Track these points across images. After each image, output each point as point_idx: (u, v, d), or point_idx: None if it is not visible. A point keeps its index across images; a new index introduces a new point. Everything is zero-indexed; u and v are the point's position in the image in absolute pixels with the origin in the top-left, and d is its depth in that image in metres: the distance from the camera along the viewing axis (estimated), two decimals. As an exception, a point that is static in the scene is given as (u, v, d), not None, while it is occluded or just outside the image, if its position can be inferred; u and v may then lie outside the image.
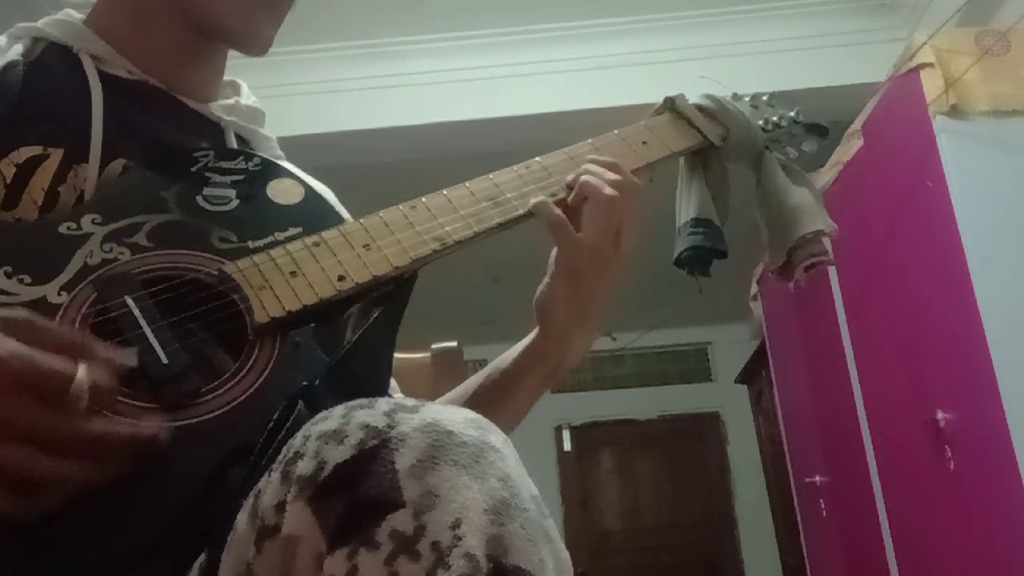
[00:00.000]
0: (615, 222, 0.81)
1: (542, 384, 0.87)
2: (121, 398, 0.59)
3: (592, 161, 0.85)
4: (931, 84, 2.11)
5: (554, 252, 0.83)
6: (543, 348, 0.85)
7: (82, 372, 0.53)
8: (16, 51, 0.83)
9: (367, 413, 0.50)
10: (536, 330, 0.86)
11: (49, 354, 0.53)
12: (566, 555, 0.50)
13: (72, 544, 0.54)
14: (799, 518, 3.52)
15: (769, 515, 4.88)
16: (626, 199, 0.82)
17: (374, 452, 0.48)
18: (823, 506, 3.13)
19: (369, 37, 3.16)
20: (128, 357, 0.59)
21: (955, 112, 2.08)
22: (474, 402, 0.88)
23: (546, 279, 0.84)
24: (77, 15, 0.87)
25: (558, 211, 0.82)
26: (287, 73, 2.98)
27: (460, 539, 0.45)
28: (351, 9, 3.06)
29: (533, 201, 0.82)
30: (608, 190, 0.81)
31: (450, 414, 0.52)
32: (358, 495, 0.47)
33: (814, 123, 1.06)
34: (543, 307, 0.84)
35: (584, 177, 0.83)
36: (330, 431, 0.50)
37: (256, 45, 0.87)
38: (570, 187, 0.84)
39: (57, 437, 0.52)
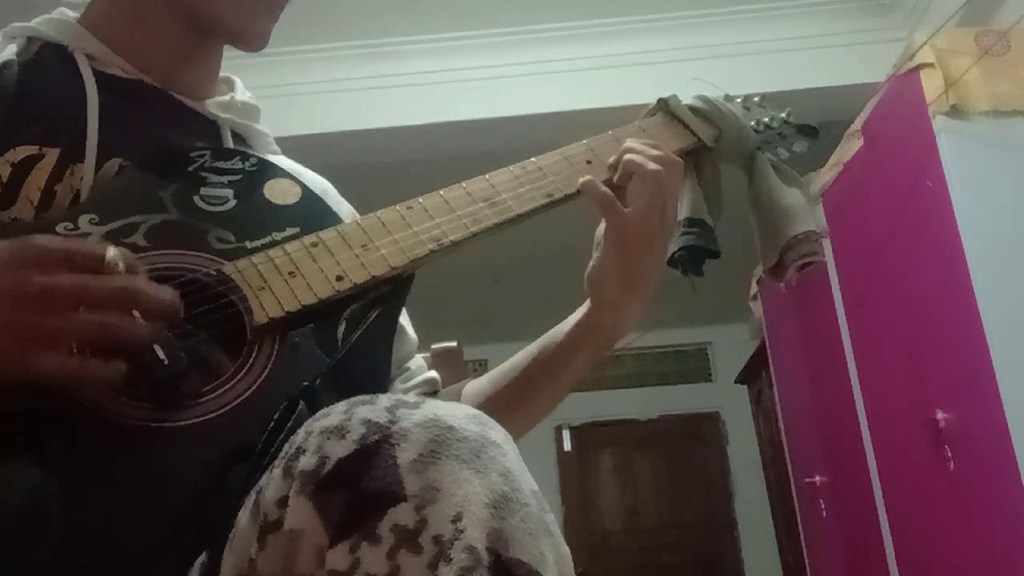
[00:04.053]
0: (661, 196, 0.85)
1: (592, 357, 0.90)
2: (121, 398, 0.59)
3: (634, 141, 0.90)
4: (931, 84, 2.11)
5: (601, 228, 0.87)
6: (596, 320, 0.88)
7: (112, 251, 0.60)
8: (10, 51, 0.83)
9: (369, 409, 0.51)
10: (587, 305, 0.89)
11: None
12: (566, 549, 0.50)
13: (76, 544, 0.54)
14: (799, 518, 3.52)
15: (769, 515, 4.88)
16: (670, 174, 0.86)
17: (376, 447, 0.48)
18: (823, 506, 3.13)
19: (369, 37, 3.16)
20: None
21: (955, 112, 2.07)
22: (529, 375, 0.90)
23: (596, 254, 0.87)
24: (71, 14, 0.87)
25: (605, 188, 0.85)
26: (287, 73, 2.98)
27: (461, 532, 0.46)
28: (351, 9, 3.06)
29: (581, 180, 0.86)
30: (652, 165, 0.85)
31: (451, 410, 0.52)
32: (360, 489, 0.47)
33: (804, 124, 1.06)
34: (595, 280, 0.87)
35: (628, 156, 0.87)
36: (332, 427, 0.50)
37: (254, 41, 0.87)
38: (614, 167, 0.88)
39: (117, 297, 0.58)
